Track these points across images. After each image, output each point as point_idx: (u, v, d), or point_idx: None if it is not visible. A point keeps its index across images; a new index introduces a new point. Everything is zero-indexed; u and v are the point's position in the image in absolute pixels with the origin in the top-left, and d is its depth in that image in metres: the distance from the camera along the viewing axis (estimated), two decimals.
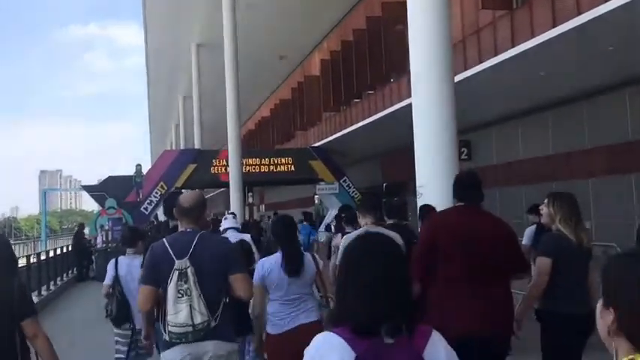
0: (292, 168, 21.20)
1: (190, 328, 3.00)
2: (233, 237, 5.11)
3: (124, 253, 5.12)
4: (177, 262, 3.05)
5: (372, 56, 15.92)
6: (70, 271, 15.92)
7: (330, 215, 19.94)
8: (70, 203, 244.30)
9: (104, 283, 4.97)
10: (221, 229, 6.31)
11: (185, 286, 3.02)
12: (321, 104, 21.44)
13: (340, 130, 19.49)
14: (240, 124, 16.18)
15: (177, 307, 3.01)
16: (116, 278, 4.84)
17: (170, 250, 3.09)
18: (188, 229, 3.21)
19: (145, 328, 3.67)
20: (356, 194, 21.53)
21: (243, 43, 15.77)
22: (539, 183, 12.98)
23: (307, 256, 3.88)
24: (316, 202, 31.43)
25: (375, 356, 1.47)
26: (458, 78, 13.27)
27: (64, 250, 15.93)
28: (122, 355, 4.86)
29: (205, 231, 3.28)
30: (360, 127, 17.57)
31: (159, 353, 3.78)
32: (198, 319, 3.00)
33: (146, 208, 19.37)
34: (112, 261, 4.98)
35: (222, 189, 25.69)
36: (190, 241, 3.10)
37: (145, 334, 3.67)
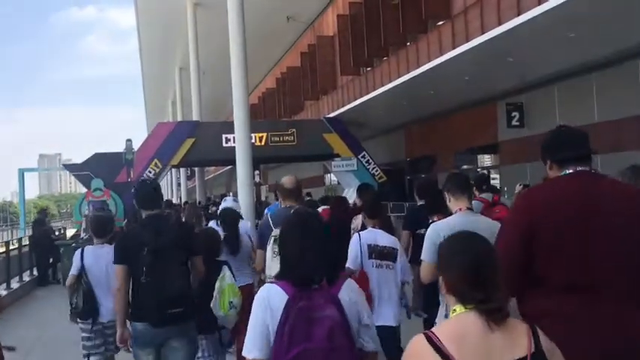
0: (303, 142, 18.63)
1: None
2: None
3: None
4: (273, 230, 4.06)
5: (405, 1, 13.22)
6: (29, 272, 12.04)
7: (347, 195, 17.53)
8: (70, 187, 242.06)
9: (70, 273, 4.73)
10: (219, 211, 6.04)
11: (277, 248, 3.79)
12: (337, 68, 18.79)
13: (359, 98, 16.85)
14: (248, 90, 13.56)
15: (272, 265, 3.88)
16: (82, 269, 4.64)
17: (270, 222, 4.24)
18: (288, 206, 4.30)
19: (119, 328, 3.86)
20: (376, 171, 19.02)
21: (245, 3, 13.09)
22: (616, 152, 10.39)
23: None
24: (326, 182, 28.99)
25: (301, 297, 2.07)
26: (506, 26, 10.72)
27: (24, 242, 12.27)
28: (89, 351, 4.62)
29: (301, 206, 4.19)
30: (383, 92, 14.93)
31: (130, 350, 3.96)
32: None
33: None
34: (78, 251, 4.78)
35: (226, 167, 23.10)
36: (287, 215, 3.48)
37: (119, 335, 3.87)
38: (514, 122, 13.25)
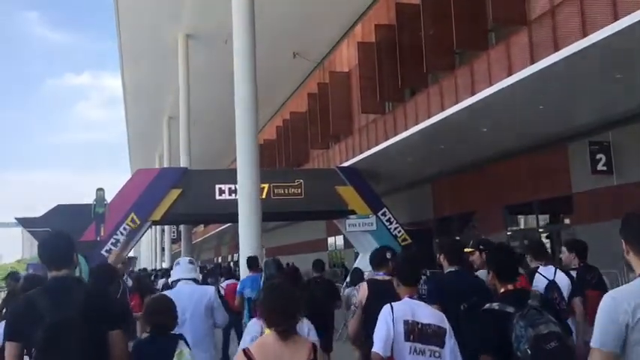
0: (312, 195, 15.52)
1: None
2: (188, 291, 4.38)
3: None
4: None
5: (448, 19, 10.41)
6: None
7: (362, 265, 14.26)
8: None
9: None
10: (170, 280, 5.21)
11: None
12: (354, 109, 15.99)
13: (381, 142, 13.94)
14: (257, 129, 10.58)
15: None
16: None
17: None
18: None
19: None
20: (399, 232, 15.80)
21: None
22: None
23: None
24: (330, 247, 25.65)
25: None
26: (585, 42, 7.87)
27: None
28: None
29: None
30: (416, 132, 12.06)
31: None
32: None
33: (109, 250, 13.43)
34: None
35: (224, 225, 19.72)
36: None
37: None
38: (600, 167, 10.24)
